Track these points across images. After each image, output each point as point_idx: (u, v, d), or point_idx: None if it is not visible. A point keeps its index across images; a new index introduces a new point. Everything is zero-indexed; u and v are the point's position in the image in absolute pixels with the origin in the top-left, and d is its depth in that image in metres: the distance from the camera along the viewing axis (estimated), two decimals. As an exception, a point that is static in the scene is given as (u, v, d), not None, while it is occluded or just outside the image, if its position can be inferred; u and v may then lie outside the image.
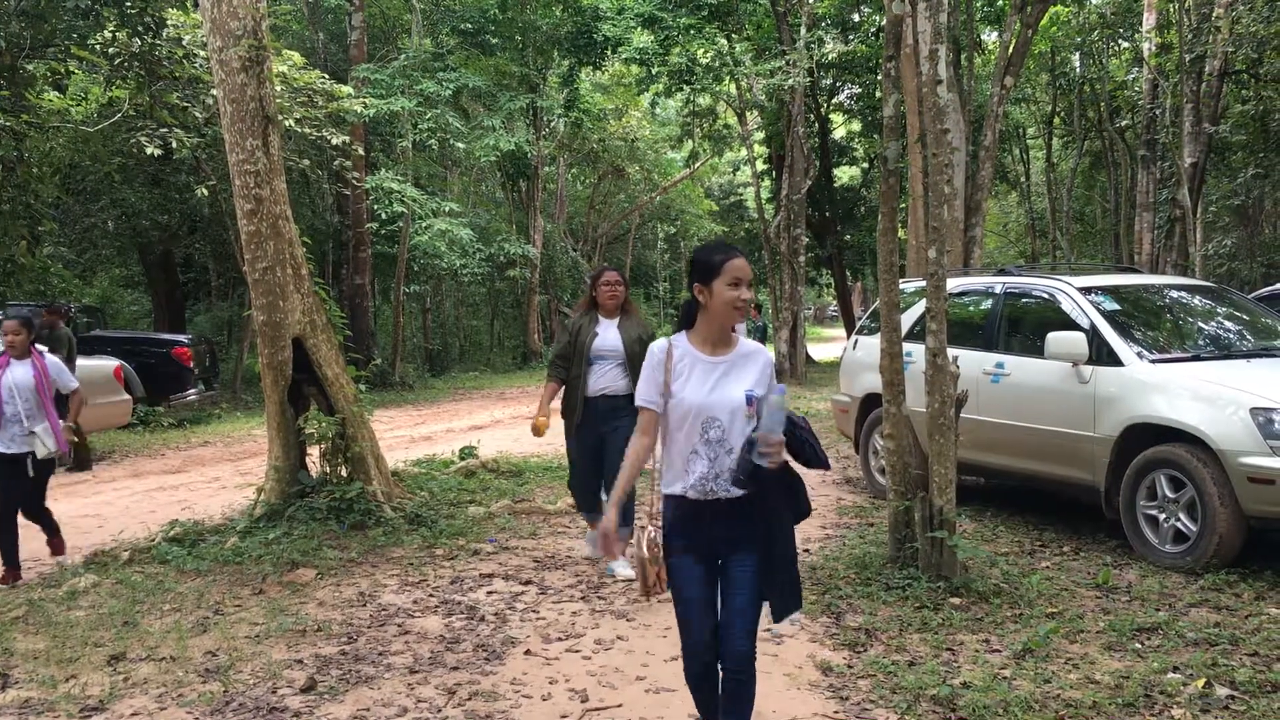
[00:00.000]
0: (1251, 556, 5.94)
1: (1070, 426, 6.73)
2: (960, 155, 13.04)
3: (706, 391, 3.15)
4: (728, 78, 21.66)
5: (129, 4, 12.23)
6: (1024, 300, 7.69)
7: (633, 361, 6.03)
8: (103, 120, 13.93)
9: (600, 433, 6.17)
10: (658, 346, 3.26)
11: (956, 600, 5.39)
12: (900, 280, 6.96)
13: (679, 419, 3.17)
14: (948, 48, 12.24)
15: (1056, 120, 27.46)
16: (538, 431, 6.32)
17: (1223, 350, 6.91)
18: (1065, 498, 7.42)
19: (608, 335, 6.18)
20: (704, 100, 24.29)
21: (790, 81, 19.19)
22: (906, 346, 6.55)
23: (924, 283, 6.27)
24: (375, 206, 20.23)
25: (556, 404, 6.45)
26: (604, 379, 6.15)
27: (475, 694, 4.37)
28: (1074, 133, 26.75)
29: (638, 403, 3.25)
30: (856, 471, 9.61)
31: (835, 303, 42.00)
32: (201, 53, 12.05)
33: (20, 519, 6.59)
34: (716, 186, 40.63)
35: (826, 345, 36.10)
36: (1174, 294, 7.76)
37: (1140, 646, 4.72)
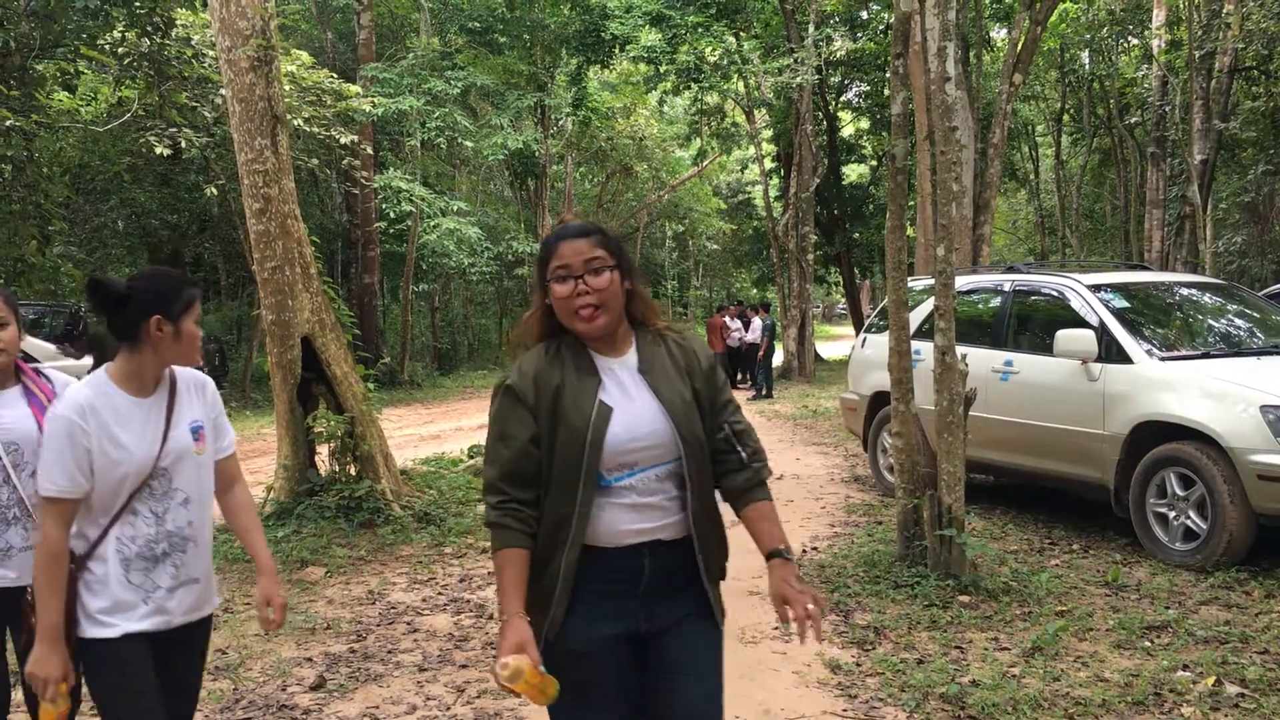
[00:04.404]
0: (1261, 554, 5.92)
1: (1079, 424, 6.71)
2: (968, 153, 13.02)
3: None
4: (736, 76, 21.66)
5: (138, 4, 12.27)
6: (1033, 298, 7.67)
7: (693, 452, 2.34)
8: (112, 120, 13.98)
9: (639, 630, 2.37)
10: None
11: (965, 598, 5.39)
12: (909, 278, 6.95)
13: None
14: (956, 45, 12.23)
15: (1065, 117, 27.39)
16: (521, 685, 2.16)
17: (1233, 348, 6.89)
18: (1074, 496, 7.40)
19: (635, 402, 2.35)
20: (712, 98, 24.28)
21: (798, 79, 19.18)
22: (915, 344, 6.54)
23: (932, 280, 6.26)
24: (384, 205, 20.29)
25: None
26: (640, 513, 2.33)
27: (484, 692, 4.38)
28: (1083, 130, 26.68)
29: None
30: (865, 469, 9.60)
31: (844, 301, 41.98)
32: (210, 52, 12.09)
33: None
34: (724, 185, 40.61)
35: (835, 343, 36.06)
36: (1184, 291, 7.74)
37: (1150, 644, 4.71)
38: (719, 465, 2.42)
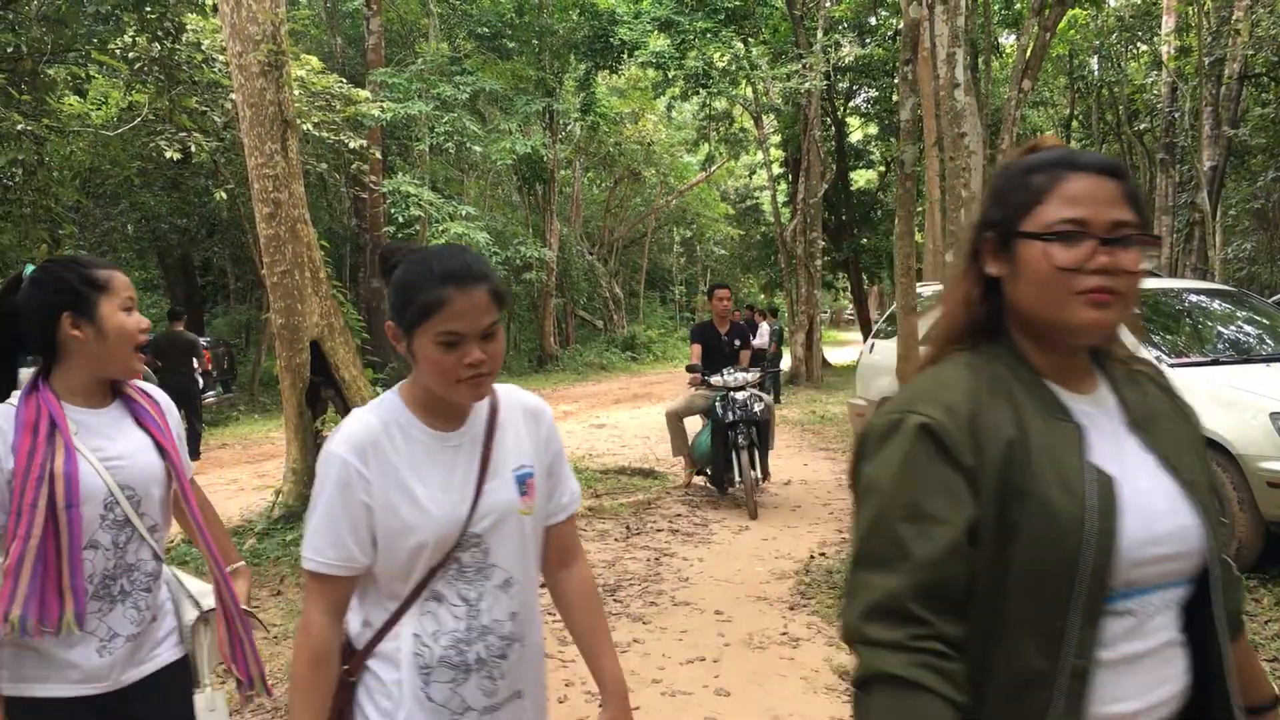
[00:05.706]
0: (1270, 562, 5.90)
1: (1088, 431, 6.68)
2: (977, 159, 12.98)
3: None
4: (744, 81, 21.67)
5: (149, 9, 12.32)
6: (1041, 304, 7.65)
7: (1217, 565, 1.37)
8: (123, 124, 14.03)
9: None
10: None
11: (973, 605, 5.36)
12: (917, 284, 6.95)
13: None
14: (965, 51, 12.23)
15: (1075, 123, 27.36)
16: None
17: (1242, 354, 6.87)
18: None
19: (1138, 474, 1.31)
20: (720, 104, 24.29)
21: (806, 85, 19.18)
22: (923, 350, 6.53)
23: (941, 286, 6.26)
24: (392, 210, 20.33)
25: None
26: (1141, 670, 1.28)
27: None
28: (1092, 136, 26.65)
29: None
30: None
31: (851, 306, 41.95)
32: (221, 57, 12.14)
33: None
34: (732, 190, 40.65)
35: (843, 349, 36.02)
36: (1193, 298, 7.72)
37: (1158, 652, 4.69)
38: None
